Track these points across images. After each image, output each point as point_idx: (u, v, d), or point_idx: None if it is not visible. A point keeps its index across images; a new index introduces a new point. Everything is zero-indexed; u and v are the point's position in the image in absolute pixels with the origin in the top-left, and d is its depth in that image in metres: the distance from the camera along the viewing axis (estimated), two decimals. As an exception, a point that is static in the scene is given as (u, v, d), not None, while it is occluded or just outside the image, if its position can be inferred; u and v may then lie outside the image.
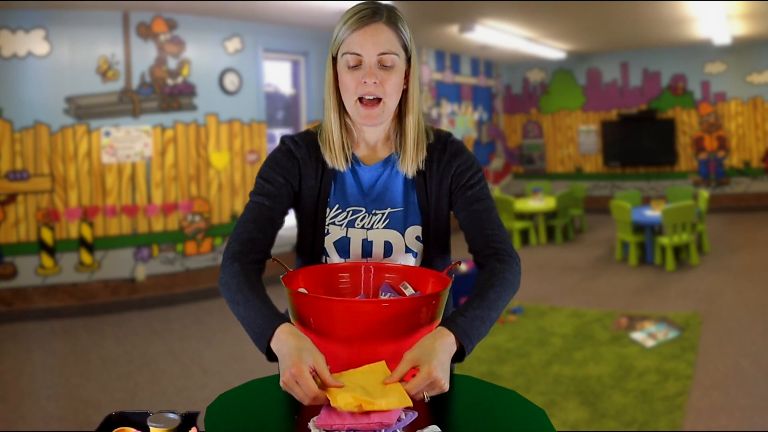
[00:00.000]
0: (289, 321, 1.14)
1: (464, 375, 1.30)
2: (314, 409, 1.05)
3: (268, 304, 1.18)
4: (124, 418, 1.09)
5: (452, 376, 1.32)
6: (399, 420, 1.02)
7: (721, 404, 3.34)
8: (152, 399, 3.68)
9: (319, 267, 1.35)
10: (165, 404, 3.57)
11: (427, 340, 1.11)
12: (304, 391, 1.02)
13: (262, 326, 1.13)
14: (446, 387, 1.07)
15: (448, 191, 1.38)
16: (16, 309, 5.31)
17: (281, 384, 1.06)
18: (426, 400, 1.07)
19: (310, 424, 1.02)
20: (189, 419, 1.08)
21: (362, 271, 1.34)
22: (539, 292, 5.78)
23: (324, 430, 1.00)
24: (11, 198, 5.34)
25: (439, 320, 1.22)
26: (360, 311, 1.13)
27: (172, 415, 1.06)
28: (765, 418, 3.16)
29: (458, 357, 1.15)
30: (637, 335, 4.45)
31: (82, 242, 5.60)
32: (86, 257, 5.63)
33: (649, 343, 4.30)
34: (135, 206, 5.82)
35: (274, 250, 1.34)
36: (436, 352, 1.08)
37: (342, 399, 1.00)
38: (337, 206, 1.37)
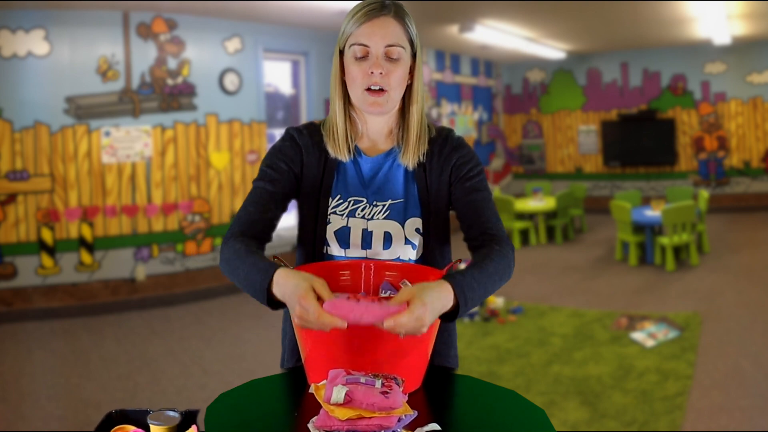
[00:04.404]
0: (285, 267, 1.16)
1: (464, 375, 1.30)
2: (313, 409, 1.05)
3: (266, 259, 1.19)
4: (124, 416, 1.09)
5: (452, 375, 1.33)
6: (399, 420, 1.01)
7: (721, 404, 3.34)
8: (152, 399, 3.68)
9: (319, 264, 1.35)
10: (165, 404, 3.55)
11: (427, 285, 1.11)
12: (313, 314, 1.03)
13: (259, 278, 1.15)
14: (424, 331, 1.07)
15: (447, 183, 1.39)
16: (16, 309, 5.31)
17: (295, 322, 1.07)
18: (400, 336, 1.06)
19: (310, 425, 1.02)
20: (189, 417, 1.08)
21: (362, 269, 1.34)
22: (539, 292, 5.78)
23: (323, 430, 1.00)
24: (11, 198, 5.34)
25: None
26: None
27: (172, 413, 1.06)
28: (765, 418, 3.16)
29: (448, 316, 1.14)
30: (637, 335, 4.44)
31: (82, 242, 5.60)
32: (86, 257, 5.63)
33: (649, 343, 4.30)
34: (135, 206, 5.82)
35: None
36: (432, 299, 1.08)
37: (341, 413, 0.99)
38: (338, 196, 1.38)
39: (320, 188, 1.37)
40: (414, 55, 1.34)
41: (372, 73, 1.28)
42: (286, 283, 1.10)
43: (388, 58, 1.29)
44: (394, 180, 1.39)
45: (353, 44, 1.29)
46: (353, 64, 1.30)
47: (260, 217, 1.32)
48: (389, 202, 1.37)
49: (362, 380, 1.05)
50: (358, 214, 1.37)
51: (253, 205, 1.33)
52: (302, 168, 1.38)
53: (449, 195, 1.40)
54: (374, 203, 1.37)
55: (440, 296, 1.10)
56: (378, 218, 1.37)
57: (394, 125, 1.40)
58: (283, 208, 1.37)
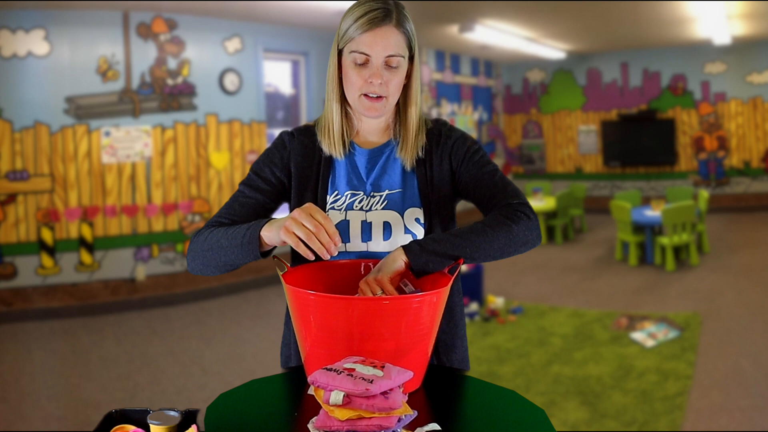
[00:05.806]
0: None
1: (464, 375, 1.30)
2: (313, 410, 1.05)
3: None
4: (124, 416, 1.09)
5: (451, 375, 1.33)
6: (399, 420, 1.01)
7: (721, 404, 3.34)
8: (152, 399, 3.68)
9: (318, 264, 1.35)
10: (165, 404, 3.55)
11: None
12: (317, 218, 1.14)
13: (250, 230, 1.22)
14: (383, 276, 1.21)
15: (449, 171, 1.39)
16: (16, 309, 5.31)
17: (286, 233, 1.15)
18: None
19: (310, 425, 1.02)
20: (189, 417, 1.08)
21: (362, 269, 1.34)
22: (539, 292, 5.78)
23: (323, 431, 1.00)
24: (11, 198, 5.34)
25: (440, 318, 1.22)
26: (360, 309, 1.13)
27: (172, 413, 1.06)
28: (765, 418, 3.16)
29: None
30: (637, 335, 4.45)
31: (82, 242, 5.61)
32: (86, 257, 5.63)
33: (649, 343, 4.30)
34: (135, 206, 5.82)
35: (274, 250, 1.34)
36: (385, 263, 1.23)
37: (341, 413, 0.99)
38: (336, 192, 1.39)
39: (317, 187, 1.38)
40: (411, 57, 1.34)
41: (371, 82, 1.29)
42: (276, 221, 1.20)
43: (388, 66, 1.30)
44: (391, 171, 1.39)
45: (354, 51, 1.29)
46: (352, 70, 1.30)
47: (228, 218, 1.35)
48: (386, 192, 1.38)
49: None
50: (356, 206, 1.37)
51: (225, 208, 1.37)
52: (291, 173, 1.39)
53: (453, 183, 1.39)
54: (372, 194, 1.38)
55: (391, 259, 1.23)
56: (376, 209, 1.37)
57: (391, 121, 1.41)
58: (259, 215, 1.36)
